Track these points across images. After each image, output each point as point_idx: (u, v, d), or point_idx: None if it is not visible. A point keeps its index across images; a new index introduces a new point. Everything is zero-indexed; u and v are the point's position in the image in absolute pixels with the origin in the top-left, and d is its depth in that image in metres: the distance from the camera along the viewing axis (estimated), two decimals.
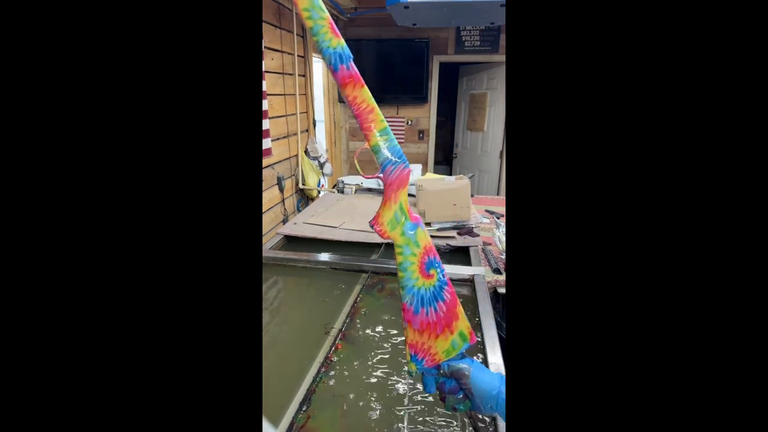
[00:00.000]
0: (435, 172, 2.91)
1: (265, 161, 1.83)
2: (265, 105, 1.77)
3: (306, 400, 0.70)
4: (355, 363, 0.79)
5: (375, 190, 2.01)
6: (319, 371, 0.77)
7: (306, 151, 2.27)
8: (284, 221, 2.05)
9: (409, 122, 3.19)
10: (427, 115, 3.15)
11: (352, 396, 0.71)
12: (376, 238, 1.35)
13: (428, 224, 1.44)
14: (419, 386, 0.73)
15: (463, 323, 0.48)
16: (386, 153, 0.43)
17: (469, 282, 1.10)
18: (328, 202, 1.81)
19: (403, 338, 0.57)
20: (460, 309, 0.48)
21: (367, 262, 1.21)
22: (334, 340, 0.86)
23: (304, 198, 2.32)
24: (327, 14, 0.37)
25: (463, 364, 0.46)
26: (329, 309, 0.99)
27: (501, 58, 2.91)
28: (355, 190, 2.02)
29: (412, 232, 0.46)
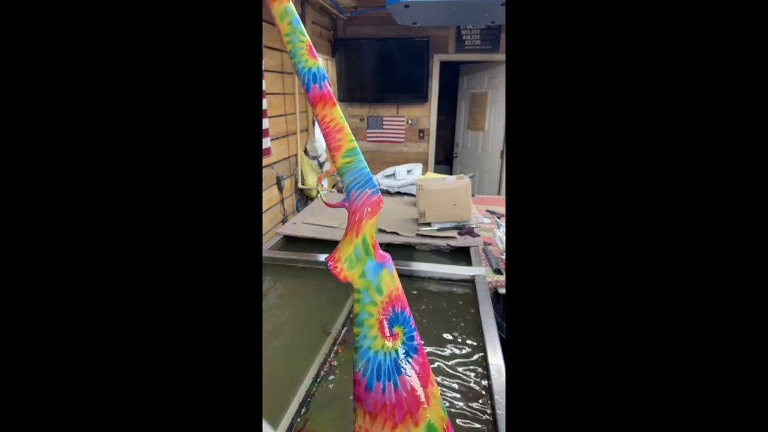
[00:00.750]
0: (435, 171, 2.91)
1: (265, 161, 1.82)
2: (265, 104, 1.76)
3: (305, 402, 0.69)
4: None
5: None
6: (318, 374, 0.76)
7: (305, 151, 2.26)
8: (283, 221, 2.04)
9: (410, 122, 3.18)
10: (428, 115, 3.14)
11: (351, 397, 0.70)
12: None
13: (428, 224, 1.43)
14: None
15: (434, 411, 0.34)
16: (351, 176, 0.38)
17: (470, 282, 1.09)
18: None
19: None
20: (433, 390, 0.35)
21: None
22: (334, 343, 0.85)
23: (304, 198, 2.31)
24: (306, 38, 0.38)
25: None
26: (329, 310, 0.99)
27: (501, 57, 2.90)
28: None
29: (375, 275, 0.36)
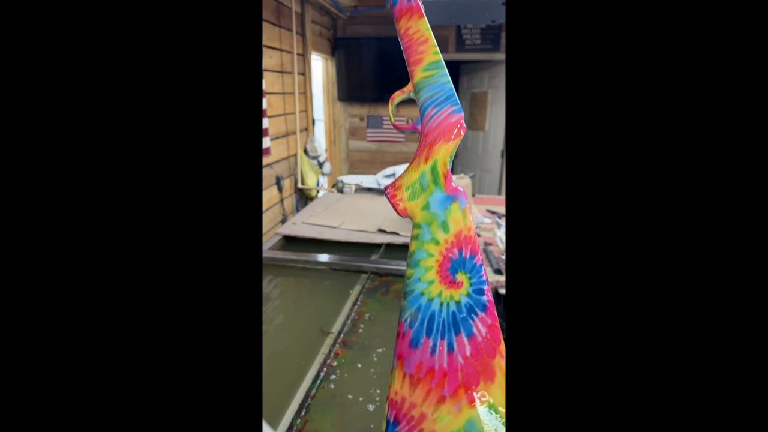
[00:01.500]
0: None
1: (264, 160, 1.82)
2: (264, 104, 1.76)
3: (305, 403, 0.69)
4: (359, 364, 0.78)
5: (375, 190, 1.99)
6: (318, 375, 0.75)
7: (305, 151, 2.25)
8: (283, 221, 2.04)
9: (410, 121, 3.17)
10: None
11: (350, 396, 0.70)
12: (376, 239, 1.34)
13: None
14: None
15: (499, 391, 0.27)
16: (429, 92, 0.32)
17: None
18: (328, 201, 1.80)
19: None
20: (501, 364, 0.28)
21: (367, 263, 1.19)
22: (334, 344, 0.85)
23: (303, 198, 2.31)
24: None
25: None
26: (329, 311, 0.98)
27: (502, 56, 2.90)
28: (355, 190, 2.01)
29: (442, 209, 0.30)
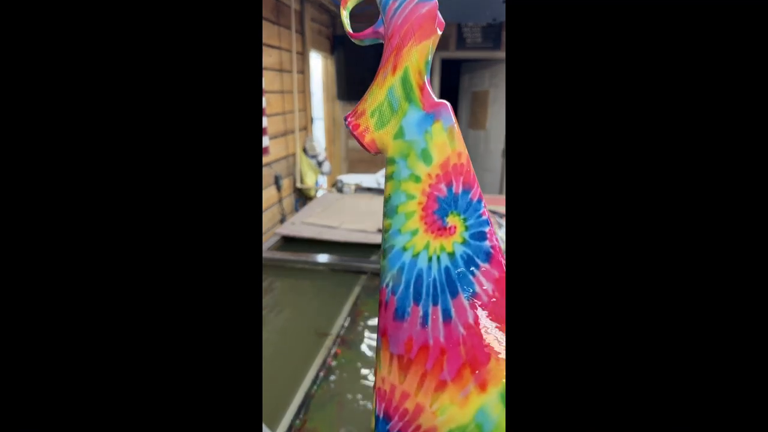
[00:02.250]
0: None
1: (263, 160, 1.81)
2: (263, 102, 1.75)
3: (304, 404, 0.68)
4: (359, 363, 0.78)
5: (375, 190, 1.98)
6: (317, 375, 0.75)
7: (304, 150, 2.24)
8: (282, 221, 2.03)
9: None
10: None
11: (349, 396, 0.69)
12: (376, 239, 1.33)
13: None
14: None
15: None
16: None
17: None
18: (327, 201, 1.78)
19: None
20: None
21: (366, 263, 1.18)
22: (333, 344, 0.84)
23: (302, 197, 2.30)
24: None
25: None
26: (328, 311, 0.97)
27: (503, 55, 2.89)
28: (355, 190, 2.00)
29: (421, 133, 0.23)
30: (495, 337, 0.21)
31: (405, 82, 0.23)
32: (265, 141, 1.79)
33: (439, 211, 0.22)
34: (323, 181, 2.46)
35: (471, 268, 0.21)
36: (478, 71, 3.16)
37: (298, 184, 2.21)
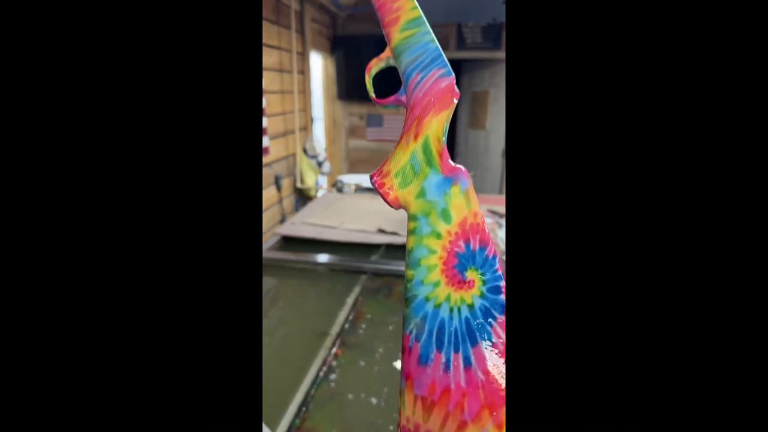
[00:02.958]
0: None
1: (263, 160, 1.81)
2: (263, 102, 1.75)
3: (304, 404, 0.68)
4: (361, 362, 0.78)
5: (375, 190, 1.98)
6: (317, 375, 0.75)
7: (304, 150, 2.24)
8: (282, 221, 2.03)
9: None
10: None
11: (350, 396, 0.69)
12: (376, 239, 1.33)
13: None
14: None
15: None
16: (411, 55, 0.26)
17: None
18: (327, 201, 1.78)
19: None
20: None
21: (366, 263, 1.18)
22: (333, 344, 0.84)
23: (302, 198, 2.30)
24: None
25: None
26: (328, 311, 0.97)
27: (503, 55, 2.88)
28: (355, 190, 2.00)
29: (441, 194, 0.25)
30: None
31: (426, 148, 0.26)
32: (266, 141, 1.79)
33: (459, 266, 0.24)
34: (323, 181, 2.46)
35: (489, 320, 0.23)
36: (478, 71, 3.16)
37: (299, 184, 2.22)
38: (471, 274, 0.24)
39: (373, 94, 0.28)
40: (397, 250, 1.30)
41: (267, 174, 1.90)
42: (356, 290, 1.07)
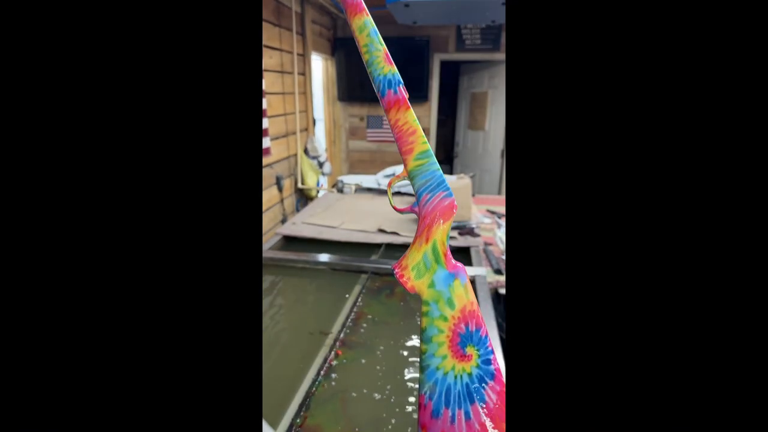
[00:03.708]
0: None
1: (264, 160, 1.82)
2: (264, 104, 1.76)
3: (305, 403, 0.69)
4: (363, 360, 0.79)
5: (375, 190, 1.99)
6: (318, 374, 0.76)
7: (305, 151, 2.25)
8: (283, 221, 2.04)
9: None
10: (428, 114, 3.14)
11: (354, 394, 0.70)
12: (376, 239, 1.34)
13: None
14: None
15: None
16: (422, 179, 0.36)
17: (470, 282, 1.09)
18: (328, 201, 1.80)
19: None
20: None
21: (367, 263, 1.19)
22: (334, 343, 0.85)
23: (303, 198, 2.31)
24: (383, 47, 0.37)
25: None
26: (329, 310, 0.98)
27: (502, 56, 2.90)
28: (355, 190, 2.01)
29: (446, 286, 0.33)
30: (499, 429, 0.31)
31: (434, 249, 0.34)
32: (267, 142, 1.81)
33: (461, 343, 0.32)
34: (324, 181, 2.47)
35: (482, 384, 0.31)
36: (477, 72, 3.17)
37: (299, 185, 2.23)
38: (470, 350, 0.31)
39: (393, 204, 0.37)
40: (397, 250, 1.31)
41: (268, 174, 1.91)
42: (357, 289, 1.08)
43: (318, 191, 2.30)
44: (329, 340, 0.86)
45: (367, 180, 2.05)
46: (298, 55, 2.15)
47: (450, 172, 3.58)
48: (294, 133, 2.15)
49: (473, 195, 1.65)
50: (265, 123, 1.78)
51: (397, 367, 0.78)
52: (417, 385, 0.72)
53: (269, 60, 1.83)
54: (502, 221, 1.52)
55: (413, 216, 1.51)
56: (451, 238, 1.36)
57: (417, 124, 0.37)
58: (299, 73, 2.17)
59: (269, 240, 1.38)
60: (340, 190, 2.02)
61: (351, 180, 2.06)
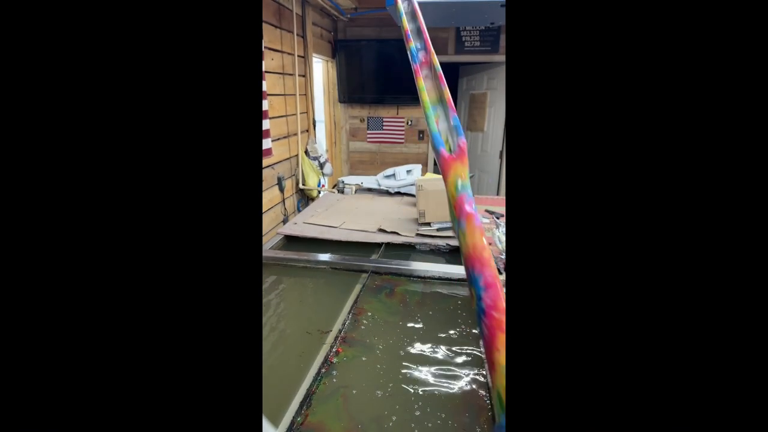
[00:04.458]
0: (435, 172, 2.91)
1: (266, 161, 1.83)
2: (266, 105, 1.77)
3: (306, 401, 0.70)
4: (364, 357, 0.80)
5: (375, 190, 2.01)
6: (319, 372, 0.77)
7: (306, 152, 2.26)
8: (284, 221, 2.05)
9: (410, 122, 3.19)
10: None
11: (355, 391, 0.71)
12: (376, 238, 1.36)
13: (428, 224, 1.44)
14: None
15: (498, 380, 0.32)
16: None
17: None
18: (328, 202, 1.81)
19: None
20: (499, 358, 0.32)
21: (367, 262, 1.21)
22: (335, 341, 0.86)
23: (304, 198, 2.32)
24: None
25: None
26: (330, 309, 0.99)
27: (501, 58, 2.90)
28: (355, 190, 2.02)
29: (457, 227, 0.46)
30: (491, 345, 0.35)
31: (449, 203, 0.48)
32: (268, 143, 1.82)
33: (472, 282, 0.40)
34: (325, 182, 2.48)
35: (479, 316, 0.38)
36: (476, 74, 3.18)
37: (301, 185, 2.24)
38: (470, 290, 0.40)
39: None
40: (397, 249, 1.32)
41: (270, 175, 1.92)
42: (357, 288, 1.09)
43: (319, 192, 2.32)
44: (330, 339, 0.87)
45: (368, 180, 2.07)
46: (299, 56, 2.16)
47: None
48: (295, 134, 2.16)
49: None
50: (267, 124, 1.79)
51: (398, 365, 0.79)
52: (417, 384, 0.73)
53: (270, 62, 1.85)
54: (501, 221, 1.54)
55: (412, 216, 1.52)
56: (451, 237, 1.37)
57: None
58: (300, 75, 2.18)
59: (271, 239, 1.39)
60: (341, 191, 2.03)
61: (351, 180, 2.07)
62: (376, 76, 2.97)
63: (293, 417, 0.66)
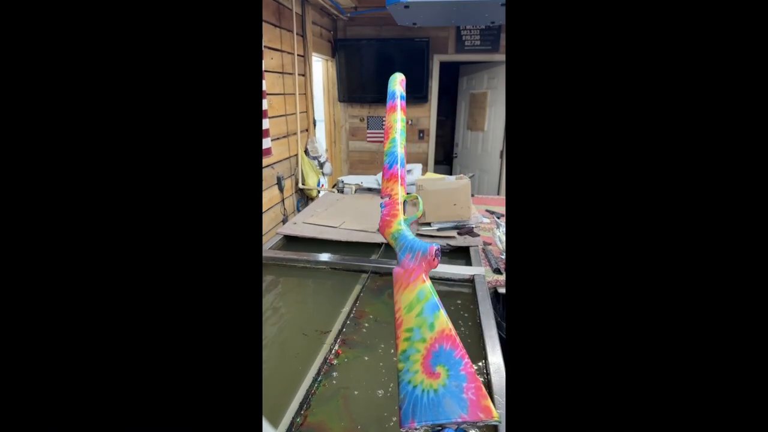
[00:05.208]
0: (435, 171, 2.91)
1: (265, 161, 1.83)
2: (265, 104, 1.77)
3: (306, 402, 0.69)
4: (366, 357, 0.79)
5: (375, 190, 2.01)
6: (319, 373, 0.76)
7: (306, 151, 2.26)
8: (284, 221, 2.04)
9: (410, 122, 3.18)
10: (428, 115, 3.15)
11: (356, 392, 0.71)
12: (376, 238, 1.35)
13: (428, 224, 1.44)
14: None
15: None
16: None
17: (470, 282, 1.10)
18: (328, 201, 1.81)
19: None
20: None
21: (367, 262, 1.20)
22: (334, 342, 0.86)
23: (304, 198, 2.31)
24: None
25: None
26: (329, 309, 0.99)
27: (501, 57, 2.90)
28: (355, 190, 2.02)
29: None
30: None
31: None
32: (268, 142, 1.81)
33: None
34: (324, 181, 2.48)
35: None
36: (476, 73, 3.18)
37: (300, 185, 2.23)
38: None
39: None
40: None
41: (269, 175, 1.92)
42: (357, 288, 1.09)
43: (318, 191, 2.31)
44: (329, 339, 0.86)
45: (367, 180, 2.06)
46: (299, 56, 2.16)
47: (449, 172, 3.58)
48: (295, 133, 2.15)
49: (472, 195, 1.66)
50: (266, 124, 1.79)
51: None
52: None
53: (270, 61, 1.84)
54: (501, 221, 1.53)
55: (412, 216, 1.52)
56: (451, 237, 1.36)
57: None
58: (300, 74, 2.18)
59: (270, 239, 1.39)
60: (341, 191, 2.03)
61: (351, 180, 2.07)
62: (376, 76, 2.97)
63: (293, 418, 0.66)
